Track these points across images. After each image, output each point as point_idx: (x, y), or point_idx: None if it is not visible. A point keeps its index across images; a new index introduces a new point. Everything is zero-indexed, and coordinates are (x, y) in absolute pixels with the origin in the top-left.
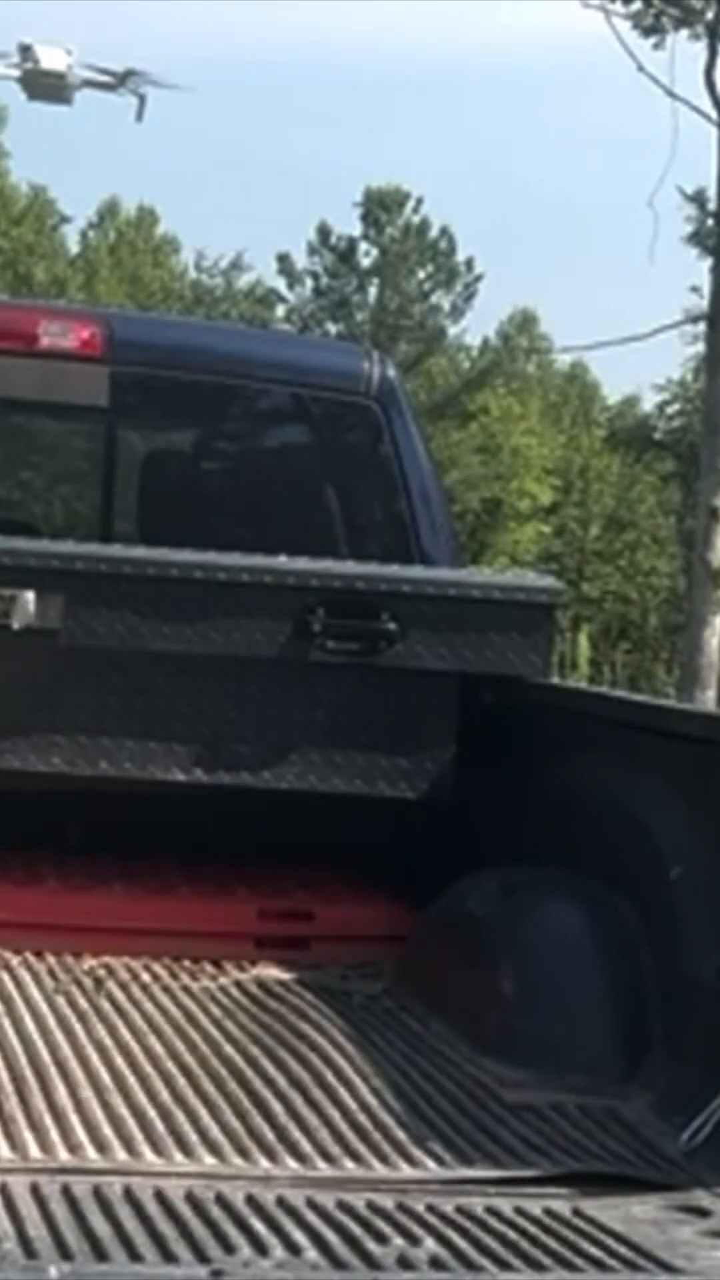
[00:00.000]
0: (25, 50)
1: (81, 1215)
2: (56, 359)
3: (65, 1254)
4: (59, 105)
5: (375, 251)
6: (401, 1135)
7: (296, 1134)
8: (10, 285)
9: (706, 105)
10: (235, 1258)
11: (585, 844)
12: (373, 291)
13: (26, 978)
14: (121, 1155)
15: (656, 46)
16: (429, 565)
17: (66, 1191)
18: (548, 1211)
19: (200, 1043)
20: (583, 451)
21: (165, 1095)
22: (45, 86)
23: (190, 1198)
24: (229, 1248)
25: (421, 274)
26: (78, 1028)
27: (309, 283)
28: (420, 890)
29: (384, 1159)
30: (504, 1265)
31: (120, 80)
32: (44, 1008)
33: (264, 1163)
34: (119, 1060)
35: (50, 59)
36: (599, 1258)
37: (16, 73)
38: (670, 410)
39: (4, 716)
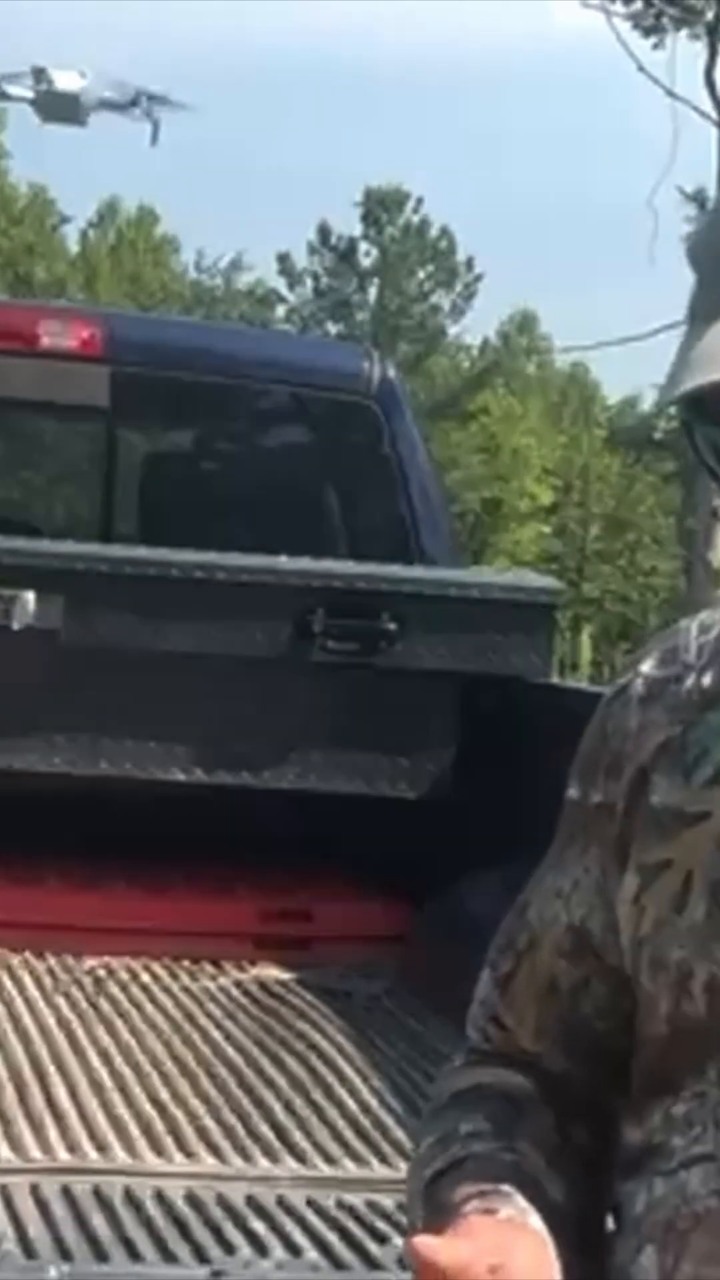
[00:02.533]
0: (39, 73)
1: (81, 1215)
2: (56, 359)
3: (65, 1254)
4: (73, 126)
5: (375, 251)
6: (401, 1135)
7: (296, 1134)
8: (10, 285)
9: (707, 105)
10: (235, 1258)
11: None
12: (373, 291)
13: (26, 978)
14: (121, 1155)
15: (656, 46)
16: (429, 565)
17: (66, 1191)
18: None
19: (200, 1043)
20: (583, 451)
21: (165, 1095)
22: (59, 109)
23: (190, 1198)
24: (229, 1248)
25: (421, 274)
26: (78, 1028)
27: (309, 283)
28: (420, 890)
29: (384, 1159)
30: None
31: (134, 101)
32: (44, 1008)
33: (264, 1163)
34: (119, 1060)
35: (64, 81)
36: None
37: (30, 95)
38: (670, 410)
39: (4, 716)
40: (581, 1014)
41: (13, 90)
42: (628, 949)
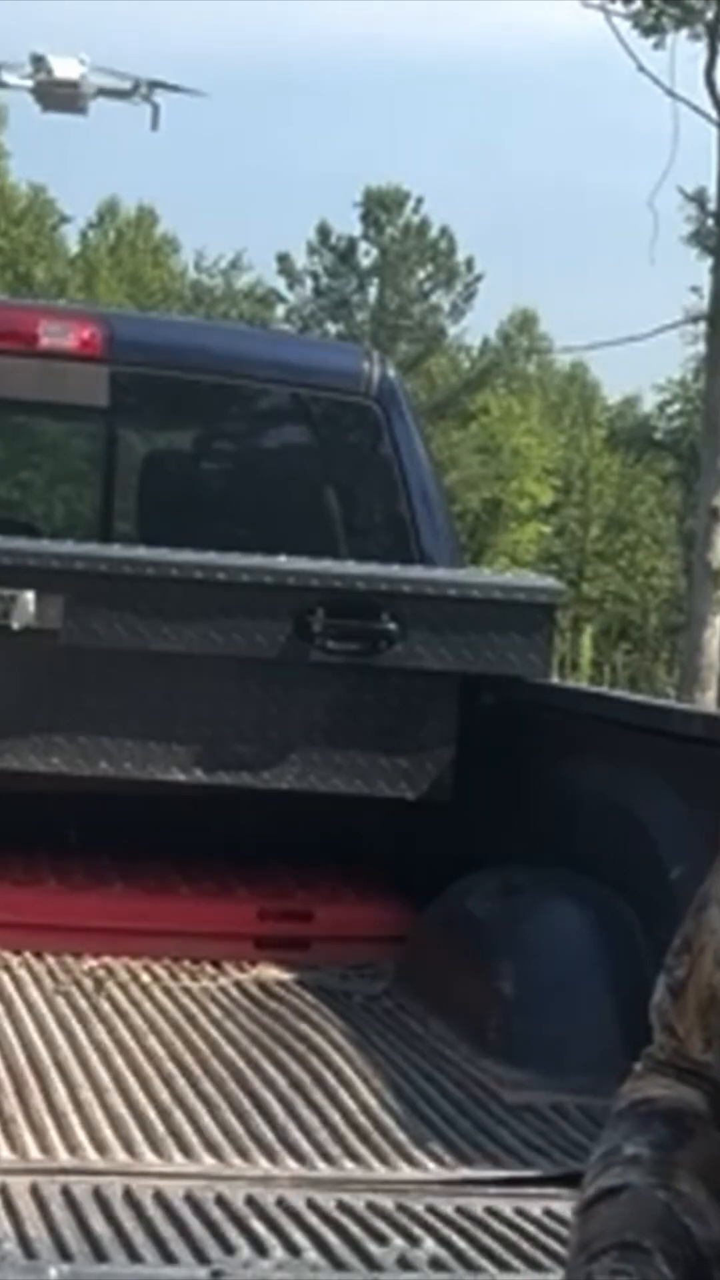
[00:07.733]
0: (38, 61)
1: (81, 1216)
2: (56, 359)
3: (65, 1254)
4: (74, 115)
5: (375, 251)
6: (401, 1136)
7: (296, 1135)
8: (10, 285)
9: (706, 105)
10: (235, 1258)
11: (585, 844)
12: (373, 291)
13: (26, 978)
14: (121, 1156)
15: (657, 46)
16: (429, 565)
17: (66, 1192)
18: (548, 1212)
19: (200, 1043)
20: (583, 452)
21: (165, 1095)
22: (59, 97)
23: (190, 1198)
24: (229, 1248)
25: (421, 274)
26: (78, 1028)
27: (309, 283)
28: (420, 890)
29: (384, 1160)
30: (504, 1266)
31: (134, 89)
32: (44, 1008)
33: (264, 1163)
34: (119, 1060)
35: (63, 69)
36: None
37: (29, 83)
38: (670, 410)
39: (4, 716)
40: None
41: (11, 79)
42: None
